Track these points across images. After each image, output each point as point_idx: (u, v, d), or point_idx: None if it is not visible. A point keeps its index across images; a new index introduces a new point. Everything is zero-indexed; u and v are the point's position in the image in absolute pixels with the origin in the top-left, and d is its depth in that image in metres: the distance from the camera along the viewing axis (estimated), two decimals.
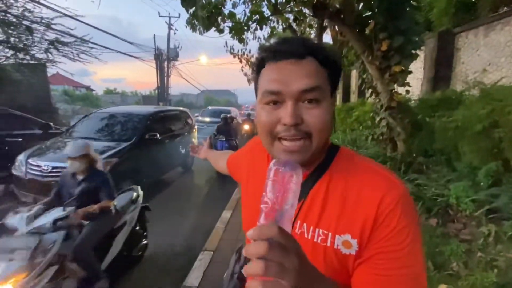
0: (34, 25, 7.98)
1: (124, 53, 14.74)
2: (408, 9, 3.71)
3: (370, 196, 0.48)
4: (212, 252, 2.63)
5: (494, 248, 1.99)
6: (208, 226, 3.27)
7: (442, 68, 5.61)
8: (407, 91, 4.17)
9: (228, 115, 6.46)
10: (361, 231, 0.47)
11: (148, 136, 4.28)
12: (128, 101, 26.87)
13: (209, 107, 14.16)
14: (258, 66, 0.54)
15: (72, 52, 8.89)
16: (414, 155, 4.14)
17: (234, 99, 55.84)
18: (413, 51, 3.77)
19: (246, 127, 10.24)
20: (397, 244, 0.45)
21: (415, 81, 6.13)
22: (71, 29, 8.59)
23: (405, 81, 3.89)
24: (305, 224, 0.52)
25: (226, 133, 6.21)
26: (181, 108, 6.73)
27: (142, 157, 4.17)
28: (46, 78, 10.38)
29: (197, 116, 11.58)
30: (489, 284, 1.64)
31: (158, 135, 4.43)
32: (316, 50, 0.50)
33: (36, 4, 7.86)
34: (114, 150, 3.64)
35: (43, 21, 8.08)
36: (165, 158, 4.98)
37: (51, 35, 8.38)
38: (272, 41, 0.54)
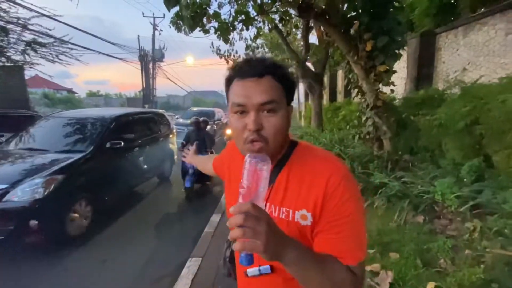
0: (9, 26, 7.60)
1: (107, 54, 14.33)
2: (391, 9, 3.77)
3: (320, 178, 0.62)
4: (200, 259, 2.55)
5: (479, 243, 2.03)
6: (196, 231, 3.19)
7: (424, 67, 5.75)
8: (392, 90, 4.23)
9: (201, 119, 5.25)
10: (314, 206, 0.61)
11: (109, 145, 3.65)
12: (112, 103, 26.18)
13: (193, 108, 13.23)
14: (228, 82, 0.68)
15: (51, 54, 8.53)
16: (400, 153, 4.21)
17: (222, 100, 55.43)
18: (397, 51, 3.84)
19: (229, 131, 10.04)
20: (342, 212, 0.59)
21: (399, 80, 6.26)
22: (50, 30, 8.25)
23: (390, 81, 3.95)
24: (272, 205, 0.67)
25: (198, 141, 5.30)
26: (155, 110, 6.36)
27: (102, 170, 3.59)
28: (24, 81, 9.93)
29: (178, 118, 11.04)
30: (477, 280, 1.66)
31: (122, 143, 3.78)
32: (273, 69, 0.63)
33: (12, 4, 7.50)
34: (61, 165, 3.03)
35: (19, 21, 7.71)
36: (134, 169, 4.35)
37: (28, 36, 8.01)
38: (240, 59, 0.74)
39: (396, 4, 3.79)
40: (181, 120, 10.38)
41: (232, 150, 0.86)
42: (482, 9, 5.04)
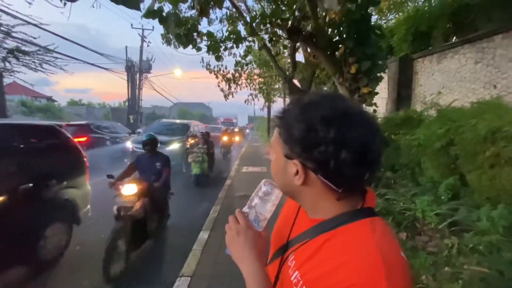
0: None
1: (93, 64, 14.11)
2: (373, 36, 4.05)
3: (347, 270, 0.45)
4: (189, 278, 2.51)
5: (457, 260, 2.16)
6: (185, 249, 3.13)
7: (404, 89, 6.13)
8: (374, 110, 4.47)
9: (151, 138, 3.40)
10: None
11: None
12: (95, 113, 25.44)
13: (163, 120, 10.77)
14: None
15: (34, 62, 8.33)
16: (382, 170, 4.40)
17: (208, 112, 55.44)
18: (379, 74, 4.10)
19: (225, 138, 10.15)
20: None
21: (381, 100, 6.61)
22: (34, 38, 8.09)
23: (373, 102, 4.19)
24: (294, 261, 0.57)
25: (147, 173, 3.20)
26: (40, 122, 3.75)
27: None
28: (2, 88, 9.54)
29: (140, 133, 8.94)
30: None
31: None
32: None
33: None
34: None
35: (2, 28, 7.52)
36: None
37: (11, 43, 7.80)
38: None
39: (377, 31, 4.08)
40: (140, 138, 7.40)
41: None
42: (454, 39, 5.52)
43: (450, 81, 5.07)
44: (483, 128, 2.87)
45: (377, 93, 4.23)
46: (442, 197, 3.21)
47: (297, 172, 0.53)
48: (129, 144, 7.55)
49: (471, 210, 2.67)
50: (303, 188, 0.54)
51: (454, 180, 3.29)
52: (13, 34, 7.73)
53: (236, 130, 18.50)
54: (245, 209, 0.64)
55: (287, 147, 0.54)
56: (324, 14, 4.53)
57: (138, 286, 2.51)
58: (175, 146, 7.41)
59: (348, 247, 0.48)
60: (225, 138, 10.03)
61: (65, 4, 3.26)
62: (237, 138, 13.73)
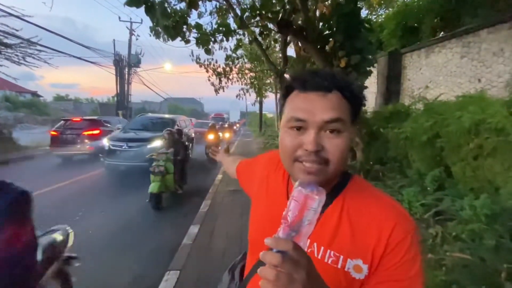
0: None
1: (79, 58, 13.69)
2: (362, 30, 4.08)
3: (382, 225, 0.52)
4: (178, 272, 2.50)
5: (441, 248, 2.22)
6: (174, 243, 3.12)
7: (392, 83, 6.22)
8: (364, 104, 4.52)
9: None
10: (372, 257, 0.51)
11: None
12: (82, 109, 24.84)
13: (149, 114, 9.63)
14: (285, 92, 0.59)
15: (16, 55, 8.03)
16: (371, 163, 4.48)
17: (200, 107, 54.97)
18: (368, 68, 4.14)
19: (211, 136, 8.37)
20: (404, 273, 0.50)
21: (370, 94, 6.68)
22: (17, 30, 7.78)
23: None
24: (315, 244, 0.55)
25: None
26: None
27: None
28: None
29: (118, 129, 7.99)
30: (439, 282, 1.82)
31: None
32: (342, 85, 0.55)
33: None
34: None
35: None
36: None
37: None
38: (303, 72, 0.59)
39: (366, 25, 4.11)
40: (117, 135, 7.02)
41: (272, 162, 0.75)
42: (441, 34, 5.61)
43: (437, 75, 5.17)
44: (467, 120, 2.94)
45: (366, 87, 4.28)
46: (428, 188, 3.30)
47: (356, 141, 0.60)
48: (105, 141, 6.66)
49: (455, 200, 2.75)
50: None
51: (440, 171, 3.37)
52: None
53: (226, 126, 17.08)
54: (288, 232, 0.42)
55: (354, 114, 0.56)
56: (314, 7, 4.52)
57: (127, 280, 2.49)
58: (157, 143, 6.51)
59: (372, 204, 0.55)
60: (210, 137, 8.18)
61: None
62: (226, 135, 12.98)
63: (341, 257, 0.53)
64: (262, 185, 0.73)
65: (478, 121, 2.89)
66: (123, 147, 6.38)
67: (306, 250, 0.49)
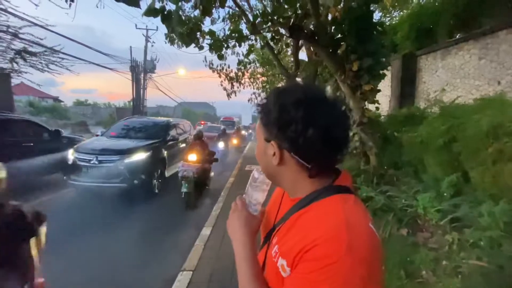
0: None
1: (98, 64, 14.28)
2: (375, 33, 4.04)
3: (313, 236, 0.50)
4: (191, 272, 2.56)
5: (458, 255, 2.16)
6: (187, 244, 3.18)
7: (407, 86, 6.09)
8: (377, 108, 4.47)
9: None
10: (293, 262, 0.53)
11: None
12: (100, 113, 25.74)
13: (133, 118, 7.60)
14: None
15: (40, 63, 8.49)
16: (385, 167, 4.39)
17: (212, 111, 55.59)
18: (381, 71, 4.09)
19: (192, 157, 5.87)
20: (300, 275, 0.51)
21: (384, 98, 6.58)
22: (41, 39, 8.24)
23: (375, 99, 4.18)
24: (276, 238, 0.63)
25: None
26: None
27: None
28: (10, 88, 9.74)
29: (98, 135, 6.23)
30: None
31: None
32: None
33: (3, 13, 7.48)
34: None
35: (9, 30, 7.67)
36: None
37: (18, 45, 7.96)
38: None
39: (379, 28, 4.07)
40: (88, 144, 5.28)
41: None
42: (458, 35, 5.46)
43: (454, 77, 5.03)
44: (485, 124, 2.85)
45: (379, 90, 4.22)
46: (445, 194, 3.20)
47: (274, 154, 0.59)
48: (70, 154, 4.88)
49: (473, 206, 2.66)
50: (280, 169, 0.61)
51: (457, 177, 3.27)
52: (21, 36, 7.89)
53: (232, 131, 14.61)
54: (244, 195, 0.75)
55: (266, 131, 0.61)
56: (325, 12, 4.54)
57: (141, 280, 2.57)
58: (141, 156, 4.94)
59: (319, 216, 0.55)
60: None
61: (70, 5, 3.33)
62: (234, 141, 11.49)
63: (278, 253, 0.59)
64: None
65: (496, 125, 2.79)
66: (92, 162, 4.66)
67: (256, 210, 0.72)
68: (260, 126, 0.63)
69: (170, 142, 6.11)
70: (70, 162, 4.82)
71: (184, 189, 4.49)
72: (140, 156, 4.93)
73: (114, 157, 4.77)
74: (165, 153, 5.75)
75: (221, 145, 7.86)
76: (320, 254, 0.48)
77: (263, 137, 0.62)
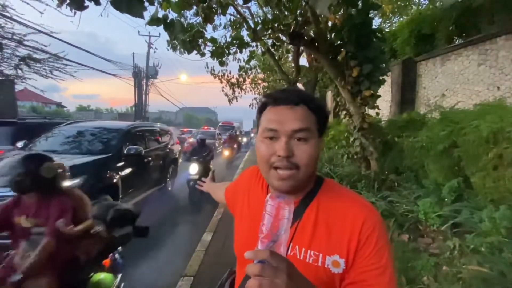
0: (4, 41, 7.69)
1: (101, 71, 14.44)
2: (374, 40, 4.09)
3: (353, 222, 0.59)
4: (192, 278, 2.55)
5: (459, 261, 2.15)
6: (188, 249, 3.19)
7: (407, 92, 6.12)
8: (377, 113, 4.49)
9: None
10: (348, 252, 0.58)
11: None
12: (103, 118, 25.91)
13: (81, 122, 5.01)
14: (260, 109, 0.67)
15: (44, 69, 8.61)
16: (386, 172, 4.39)
17: (213, 116, 55.85)
18: (381, 77, 4.12)
19: (226, 153, 8.64)
20: (376, 262, 0.56)
21: (384, 103, 6.61)
22: (45, 46, 8.38)
23: (375, 104, 4.20)
24: (297, 246, 0.61)
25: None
26: None
27: None
28: (14, 94, 9.85)
29: (19, 147, 4.07)
30: None
31: None
32: (307, 99, 0.63)
33: (8, 20, 7.63)
34: None
35: (14, 37, 7.82)
36: None
37: (23, 51, 8.10)
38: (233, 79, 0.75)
39: (378, 35, 4.12)
40: None
41: (250, 178, 0.81)
42: (457, 41, 5.51)
43: (454, 83, 5.06)
44: (485, 129, 2.86)
45: (379, 96, 4.25)
46: (446, 199, 3.20)
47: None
48: None
49: (474, 211, 2.66)
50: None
51: (458, 182, 3.27)
52: (25, 43, 8.04)
53: (214, 141, 12.59)
54: (267, 243, 0.46)
55: (323, 125, 0.65)
56: (325, 19, 4.60)
57: (142, 285, 2.57)
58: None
59: (338, 201, 0.63)
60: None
61: (75, 13, 3.40)
62: (226, 153, 9.67)
63: (320, 255, 0.59)
64: (244, 199, 0.78)
65: (496, 130, 2.81)
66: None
67: (287, 254, 0.56)
68: (315, 124, 0.63)
69: (130, 158, 3.97)
70: None
71: (191, 172, 4.96)
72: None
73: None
74: (117, 176, 3.60)
75: (193, 169, 5.11)
76: (379, 237, 0.58)
77: (318, 134, 0.63)
